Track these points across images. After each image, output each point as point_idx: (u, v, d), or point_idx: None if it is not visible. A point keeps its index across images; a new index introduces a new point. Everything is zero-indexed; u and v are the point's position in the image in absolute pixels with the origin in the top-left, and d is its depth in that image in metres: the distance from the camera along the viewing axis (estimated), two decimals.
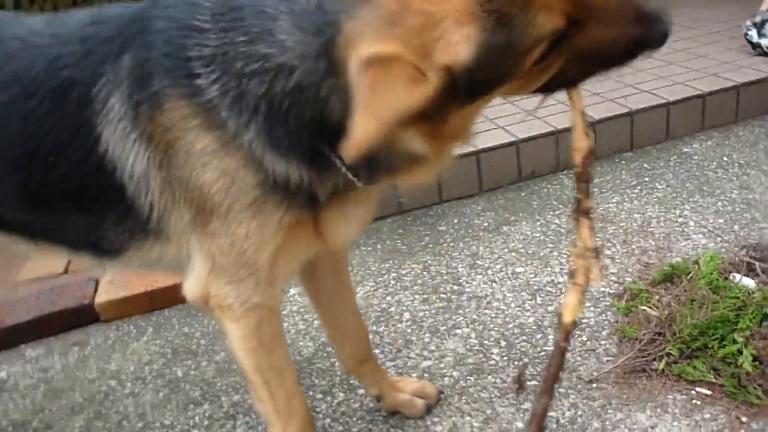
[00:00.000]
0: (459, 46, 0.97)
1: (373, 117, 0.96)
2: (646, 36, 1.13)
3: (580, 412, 1.79)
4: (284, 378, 1.47)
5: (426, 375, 2.01)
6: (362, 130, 0.96)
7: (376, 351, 2.12)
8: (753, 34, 3.66)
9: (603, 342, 2.04)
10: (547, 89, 1.20)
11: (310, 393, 2.01)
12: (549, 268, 2.46)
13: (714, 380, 1.81)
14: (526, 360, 2.01)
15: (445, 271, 2.55)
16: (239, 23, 1.18)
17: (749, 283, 2.08)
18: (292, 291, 2.50)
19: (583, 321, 2.13)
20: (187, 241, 1.32)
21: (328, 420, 1.90)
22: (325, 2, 1.08)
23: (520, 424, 1.78)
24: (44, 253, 1.55)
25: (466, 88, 1.02)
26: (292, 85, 1.13)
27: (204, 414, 2.01)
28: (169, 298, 2.52)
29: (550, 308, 2.23)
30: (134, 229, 1.34)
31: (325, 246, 1.38)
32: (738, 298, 1.99)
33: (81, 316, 2.53)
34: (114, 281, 2.62)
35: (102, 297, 2.56)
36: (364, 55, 0.97)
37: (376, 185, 1.30)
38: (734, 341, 1.86)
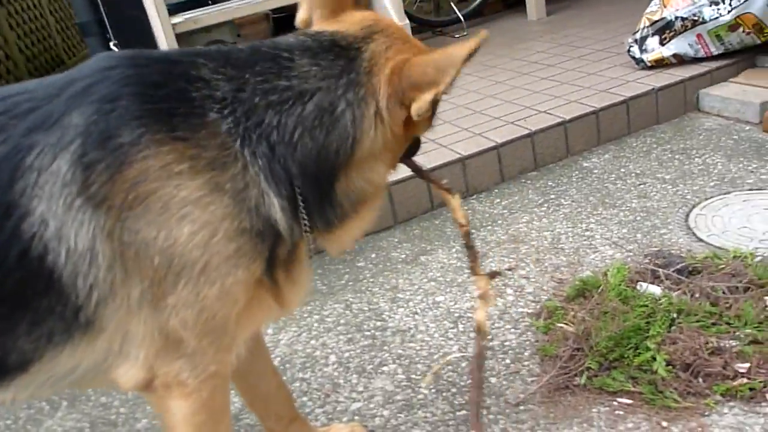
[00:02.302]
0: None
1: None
2: None
3: None
4: None
5: (356, 417, 1.99)
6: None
7: (304, 399, 2.09)
8: (635, 50, 3.87)
9: (526, 363, 2.08)
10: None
11: None
12: (468, 294, 2.49)
13: (633, 389, 1.87)
14: (454, 390, 2.03)
15: (367, 308, 2.54)
16: (251, 67, 1.25)
17: (655, 290, 2.18)
18: None
19: (506, 344, 2.18)
20: (126, 325, 1.17)
21: None
22: (337, 39, 1.31)
23: None
24: None
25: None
26: (311, 107, 1.24)
27: None
28: None
29: (473, 335, 2.26)
30: (55, 329, 1.15)
31: (280, 312, 1.36)
32: (647, 306, 2.08)
33: None
34: None
35: None
36: (393, 62, 1.30)
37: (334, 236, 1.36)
38: (647, 348, 1.94)
